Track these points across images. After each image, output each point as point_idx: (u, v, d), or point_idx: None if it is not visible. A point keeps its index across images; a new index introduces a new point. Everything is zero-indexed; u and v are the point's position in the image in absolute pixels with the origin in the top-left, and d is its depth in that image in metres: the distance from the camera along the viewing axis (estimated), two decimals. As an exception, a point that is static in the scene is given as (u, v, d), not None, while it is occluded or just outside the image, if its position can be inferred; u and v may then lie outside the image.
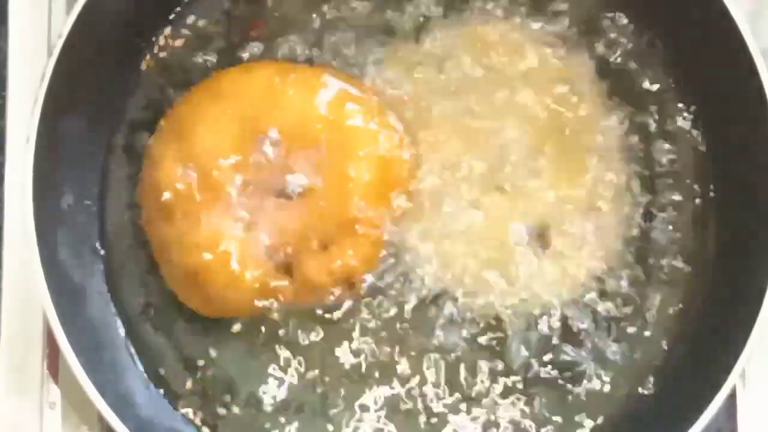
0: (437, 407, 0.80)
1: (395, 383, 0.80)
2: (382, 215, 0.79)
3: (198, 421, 0.81)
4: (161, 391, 0.81)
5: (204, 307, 0.80)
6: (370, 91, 0.81)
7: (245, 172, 0.78)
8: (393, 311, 0.81)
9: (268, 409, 0.80)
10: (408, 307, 0.81)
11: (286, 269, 0.78)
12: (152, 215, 0.80)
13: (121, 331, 0.81)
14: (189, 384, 0.81)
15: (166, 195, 0.78)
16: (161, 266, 0.81)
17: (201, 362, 0.81)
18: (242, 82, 0.79)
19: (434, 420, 0.80)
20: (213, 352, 0.81)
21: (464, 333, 0.81)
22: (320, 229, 0.78)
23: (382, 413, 0.80)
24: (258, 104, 0.78)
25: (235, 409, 0.81)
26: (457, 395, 0.80)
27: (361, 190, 0.78)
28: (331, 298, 0.80)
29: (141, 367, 0.81)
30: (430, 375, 0.80)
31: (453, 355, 0.80)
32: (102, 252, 0.83)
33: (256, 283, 0.78)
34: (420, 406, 0.80)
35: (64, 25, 0.75)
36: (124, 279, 0.82)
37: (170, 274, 0.80)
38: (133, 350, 0.81)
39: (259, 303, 0.79)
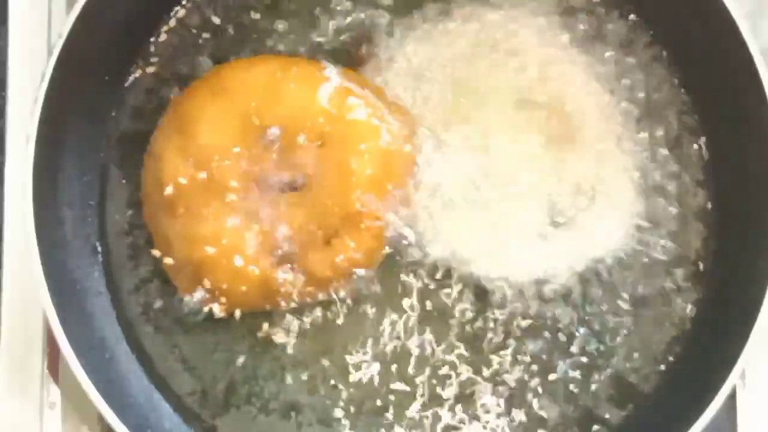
0: (448, 402, 0.80)
1: (400, 383, 0.80)
2: (384, 208, 0.79)
3: (198, 421, 0.81)
4: (161, 391, 0.81)
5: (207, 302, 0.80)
6: (372, 84, 0.82)
7: (247, 166, 0.78)
8: (400, 303, 0.81)
9: (268, 409, 0.80)
10: (415, 297, 0.81)
11: (290, 263, 0.78)
12: (154, 210, 0.80)
13: (121, 331, 0.82)
14: (189, 384, 0.81)
15: (169, 189, 0.78)
16: (164, 261, 0.81)
17: (201, 362, 0.81)
18: (243, 76, 0.79)
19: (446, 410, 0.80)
20: (213, 352, 0.81)
21: (470, 314, 0.81)
22: (323, 222, 0.78)
23: (385, 413, 0.80)
24: (259, 98, 0.78)
25: (235, 409, 0.81)
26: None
27: (364, 183, 0.78)
28: (334, 291, 0.80)
29: (141, 367, 0.81)
30: (436, 378, 0.81)
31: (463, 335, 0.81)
32: (102, 252, 0.83)
33: (259, 276, 0.78)
34: (427, 407, 0.80)
35: (64, 25, 0.75)
36: (124, 279, 0.83)
37: (173, 269, 0.80)
38: (133, 350, 0.81)
39: (262, 296, 0.79)
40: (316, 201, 0.77)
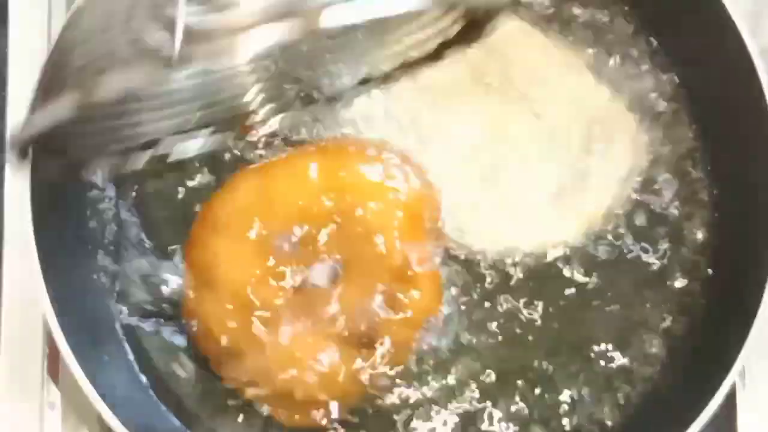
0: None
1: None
2: (425, 247, 0.77)
3: (198, 422, 0.81)
4: (161, 391, 0.81)
5: (305, 418, 0.78)
6: (365, 143, 0.80)
7: (284, 280, 0.75)
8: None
9: (266, 410, 0.80)
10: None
11: (369, 344, 0.76)
12: (222, 360, 0.77)
13: (121, 333, 0.81)
14: (189, 384, 0.81)
15: (224, 340, 0.75)
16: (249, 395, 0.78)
17: (201, 362, 0.81)
18: (233, 203, 0.77)
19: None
20: (213, 352, 0.81)
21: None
22: (379, 290, 0.75)
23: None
24: (259, 214, 0.76)
25: (235, 409, 0.81)
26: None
27: (398, 237, 0.75)
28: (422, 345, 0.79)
29: (141, 369, 0.81)
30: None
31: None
32: (101, 252, 0.82)
33: (354, 372, 0.76)
34: None
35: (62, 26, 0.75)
36: (124, 280, 0.82)
37: (257, 398, 0.78)
38: (133, 351, 0.81)
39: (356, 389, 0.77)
40: (363, 277, 0.75)
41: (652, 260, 0.82)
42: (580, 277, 0.82)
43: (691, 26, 0.80)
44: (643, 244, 0.82)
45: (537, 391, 0.80)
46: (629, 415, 0.80)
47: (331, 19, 0.50)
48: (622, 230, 0.82)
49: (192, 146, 0.75)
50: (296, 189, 0.76)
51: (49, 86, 0.60)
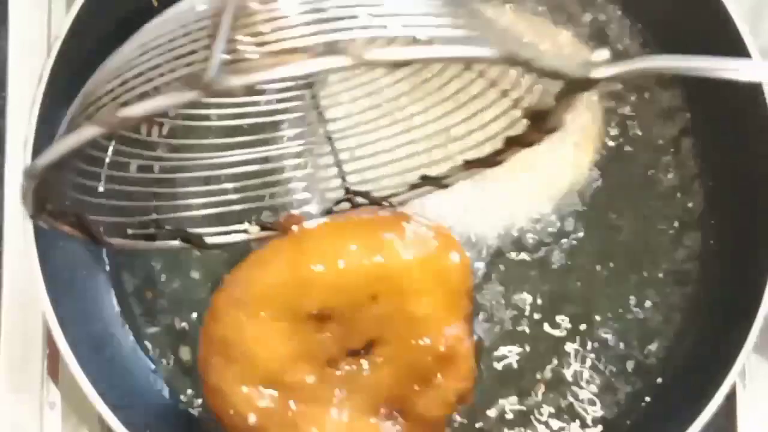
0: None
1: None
2: (462, 326, 0.72)
3: (198, 422, 0.81)
4: (162, 391, 0.81)
5: None
6: (401, 216, 0.73)
7: (316, 357, 0.71)
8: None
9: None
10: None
11: (399, 418, 0.73)
12: None
13: (122, 333, 0.82)
14: (189, 384, 0.81)
15: (252, 418, 0.71)
16: None
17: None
18: (261, 278, 0.70)
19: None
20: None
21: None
22: (413, 371, 0.71)
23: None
24: (291, 294, 0.69)
25: (235, 409, 0.81)
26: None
27: (436, 317, 0.71)
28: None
29: (141, 368, 0.81)
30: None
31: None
32: (102, 252, 0.83)
33: None
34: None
35: (61, 26, 0.75)
36: (125, 279, 0.83)
37: None
38: (133, 351, 0.82)
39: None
40: (398, 353, 0.71)
41: (652, 263, 0.83)
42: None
43: (690, 26, 0.80)
44: (645, 246, 0.83)
45: (535, 390, 0.81)
46: (629, 415, 0.80)
47: (376, 54, 0.50)
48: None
49: (228, 238, 0.76)
50: (330, 264, 0.69)
51: (76, 115, 0.60)
